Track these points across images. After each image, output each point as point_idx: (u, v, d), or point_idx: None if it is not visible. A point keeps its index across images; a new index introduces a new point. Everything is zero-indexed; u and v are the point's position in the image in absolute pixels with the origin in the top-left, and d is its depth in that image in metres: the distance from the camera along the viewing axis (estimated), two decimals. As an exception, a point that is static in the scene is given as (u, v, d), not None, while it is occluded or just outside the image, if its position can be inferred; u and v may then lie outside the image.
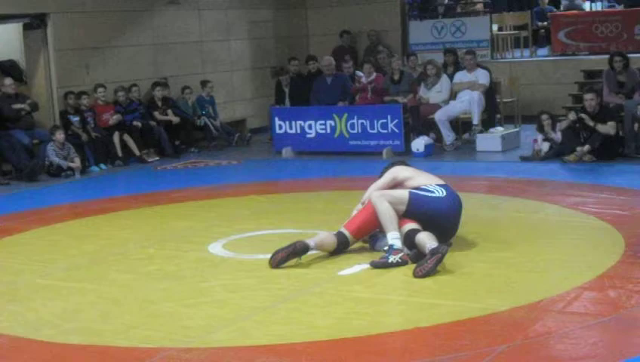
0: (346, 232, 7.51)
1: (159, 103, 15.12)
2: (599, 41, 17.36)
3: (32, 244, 8.73)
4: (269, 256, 7.38)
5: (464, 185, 10.18)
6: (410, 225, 7.36)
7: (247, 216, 9.57)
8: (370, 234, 7.68)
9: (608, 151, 11.90)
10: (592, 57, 16.73)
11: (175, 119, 15.07)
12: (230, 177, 12.76)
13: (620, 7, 19.00)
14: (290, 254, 7.19)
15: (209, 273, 7.23)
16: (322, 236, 7.45)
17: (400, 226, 7.36)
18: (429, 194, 7.45)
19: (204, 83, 16.04)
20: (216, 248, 8.01)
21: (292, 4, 18.68)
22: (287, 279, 6.88)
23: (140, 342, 5.59)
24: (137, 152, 14.42)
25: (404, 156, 13.18)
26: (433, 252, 6.81)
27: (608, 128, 11.93)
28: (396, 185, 7.77)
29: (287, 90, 15.97)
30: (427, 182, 7.69)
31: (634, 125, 12.16)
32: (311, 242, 7.29)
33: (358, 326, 5.66)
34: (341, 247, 7.46)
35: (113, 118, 14.29)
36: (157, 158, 14.53)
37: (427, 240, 7.06)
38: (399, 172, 7.87)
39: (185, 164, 14.11)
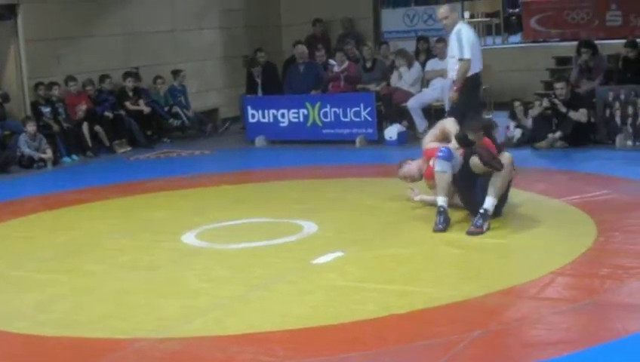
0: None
1: (130, 93, 15.04)
2: (570, 27, 17.42)
3: (5, 236, 8.67)
4: (242, 245, 7.41)
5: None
6: None
7: (220, 205, 9.55)
8: None
9: (580, 137, 11.97)
10: (564, 44, 16.77)
11: (146, 109, 14.99)
12: (203, 167, 12.72)
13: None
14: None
15: (183, 263, 7.21)
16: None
17: None
18: None
19: (175, 72, 15.96)
20: (189, 238, 7.99)
21: (264, -8, 18.63)
22: (261, 268, 6.87)
23: (114, 333, 5.57)
24: (107, 143, 14.32)
25: (376, 144, 13.22)
26: None
27: (580, 115, 11.99)
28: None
29: (259, 80, 15.91)
30: None
31: (605, 111, 12.24)
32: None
33: (333, 314, 5.67)
34: None
35: (80, 113, 14.13)
36: (129, 149, 14.44)
37: None
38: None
39: (157, 154, 14.05)
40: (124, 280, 6.81)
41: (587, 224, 7.66)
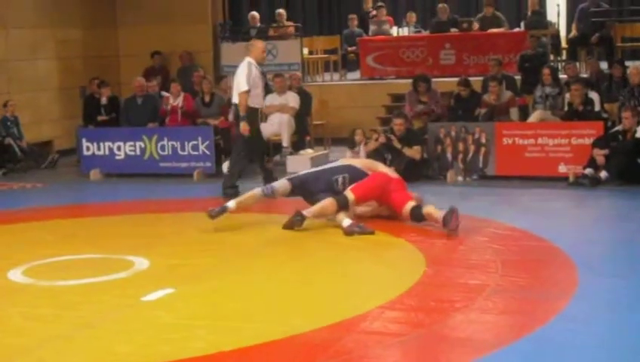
0: (350, 195, 9.01)
1: (-41, 125, 14.52)
2: (406, 65, 17.85)
3: None
4: (70, 282, 7.23)
5: (273, 207, 10.26)
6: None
7: (50, 241, 9.28)
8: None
9: (413, 172, 12.20)
10: (399, 81, 17.17)
11: (-24, 141, 14.50)
12: (35, 201, 12.30)
13: (425, 33, 19.60)
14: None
15: (7, 301, 6.96)
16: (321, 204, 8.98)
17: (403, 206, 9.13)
18: None
19: (6, 103, 15.49)
20: (15, 275, 7.71)
21: (102, 23, 18.33)
22: (89, 306, 6.70)
23: None
24: None
25: (215, 178, 13.15)
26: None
27: (414, 152, 12.28)
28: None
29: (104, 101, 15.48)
30: None
31: (437, 147, 12.59)
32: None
33: (161, 352, 5.58)
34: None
35: None
36: (-42, 182, 13.91)
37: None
38: None
39: (-13, 187, 13.58)
40: (-57, 320, 6.53)
41: (416, 257, 7.82)
